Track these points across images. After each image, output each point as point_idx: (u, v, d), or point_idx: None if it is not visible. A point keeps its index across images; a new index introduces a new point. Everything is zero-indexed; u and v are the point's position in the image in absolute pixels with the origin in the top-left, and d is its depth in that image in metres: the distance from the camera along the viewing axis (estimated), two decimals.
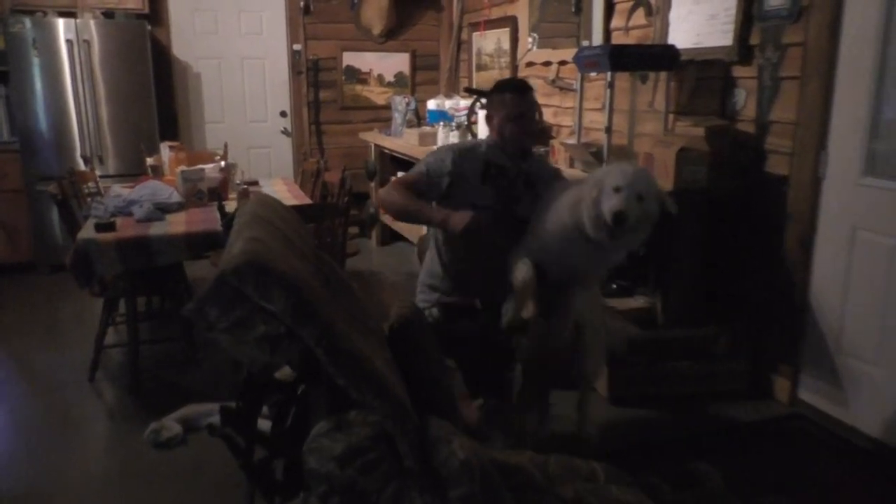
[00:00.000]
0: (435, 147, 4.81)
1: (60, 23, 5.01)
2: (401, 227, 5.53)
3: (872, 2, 2.69)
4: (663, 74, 3.57)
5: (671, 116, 3.60)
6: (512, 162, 2.65)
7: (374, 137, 5.89)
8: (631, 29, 4.05)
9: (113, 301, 3.56)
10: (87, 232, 3.17)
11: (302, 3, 6.08)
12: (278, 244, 1.47)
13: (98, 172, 4.78)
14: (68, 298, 4.60)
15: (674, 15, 3.69)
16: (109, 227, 3.18)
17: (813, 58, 2.90)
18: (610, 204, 2.22)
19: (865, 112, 2.76)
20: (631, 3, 4.02)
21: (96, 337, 3.43)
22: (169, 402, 3.04)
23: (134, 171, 5.09)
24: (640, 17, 3.96)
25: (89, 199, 4.01)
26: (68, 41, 5.03)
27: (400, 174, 2.58)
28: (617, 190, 2.23)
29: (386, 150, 5.78)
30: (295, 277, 1.32)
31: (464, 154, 2.63)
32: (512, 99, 2.60)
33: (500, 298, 2.51)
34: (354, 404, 1.42)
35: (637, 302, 3.50)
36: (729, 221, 3.33)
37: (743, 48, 3.24)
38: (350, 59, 6.36)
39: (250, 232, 1.44)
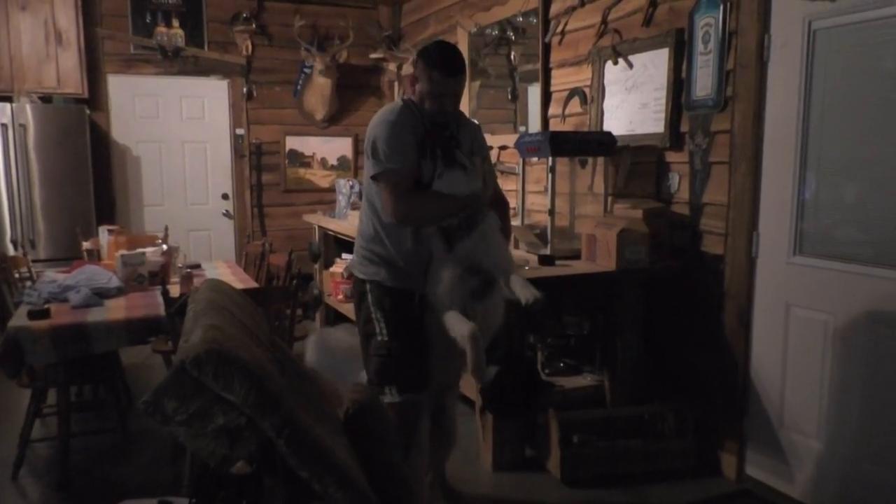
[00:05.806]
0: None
1: None
2: (346, 308, 5.47)
3: (791, 92, 2.90)
4: (601, 159, 3.72)
5: (610, 199, 3.74)
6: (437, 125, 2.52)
7: (319, 219, 5.90)
8: (568, 116, 4.24)
9: (41, 391, 3.37)
10: (19, 319, 3.02)
11: (245, 89, 6.16)
12: (236, 331, 1.44)
13: (29, 257, 4.62)
14: None
15: (608, 104, 3.89)
16: (43, 314, 3.04)
17: (740, 144, 3.08)
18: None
19: (791, 194, 2.93)
20: (567, 92, 4.22)
21: (22, 431, 3.22)
22: (102, 500, 2.86)
23: (67, 256, 4.94)
24: (575, 105, 4.16)
25: (20, 285, 3.85)
26: (2, 125, 4.94)
27: (385, 198, 2.41)
28: None
29: (330, 232, 5.77)
30: (256, 366, 1.29)
31: (410, 128, 2.44)
32: (438, 78, 2.41)
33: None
34: (314, 497, 1.38)
35: (585, 380, 3.53)
36: (670, 299, 3.44)
37: (674, 135, 3.42)
38: (293, 142, 6.42)
39: (207, 319, 1.40)
